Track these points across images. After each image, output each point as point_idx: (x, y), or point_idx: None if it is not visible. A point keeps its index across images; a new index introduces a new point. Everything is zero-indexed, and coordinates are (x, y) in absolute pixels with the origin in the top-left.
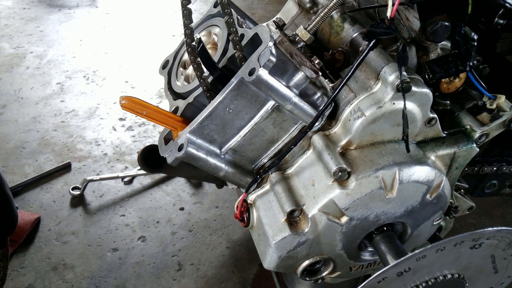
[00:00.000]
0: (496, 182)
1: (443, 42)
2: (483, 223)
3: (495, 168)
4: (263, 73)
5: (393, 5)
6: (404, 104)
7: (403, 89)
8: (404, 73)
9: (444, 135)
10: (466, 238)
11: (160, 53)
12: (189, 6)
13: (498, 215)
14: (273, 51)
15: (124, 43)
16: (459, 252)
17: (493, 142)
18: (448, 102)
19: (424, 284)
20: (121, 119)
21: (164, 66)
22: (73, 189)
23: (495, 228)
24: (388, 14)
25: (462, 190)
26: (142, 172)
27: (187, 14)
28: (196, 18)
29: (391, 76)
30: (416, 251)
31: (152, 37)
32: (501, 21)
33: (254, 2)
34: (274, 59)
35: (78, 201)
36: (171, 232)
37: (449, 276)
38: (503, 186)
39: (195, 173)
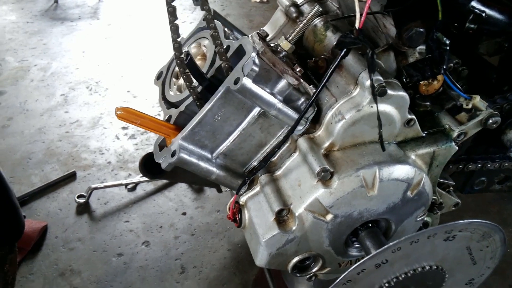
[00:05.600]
0: (484, 179)
1: (421, 47)
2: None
3: (479, 165)
4: (247, 82)
5: (361, 16)
6: (377, 107)
7: (375, 94)
8: (380, 77)
9: (424, 134)
10: (438, 231)
11: (161, 63)
12: (177, 21)
13: (494, 212)
14: (256, 61)
15: (125, 54)
16: (434, 244)
17: (478, 140)
18: (428, 103)
19: (403, 276)
20: (123, 128)
21: (158, 77)
22: (78, 197)
23: (466, 221)
24: (357, 25)
25: (451, 188)
26: (145, 179)
27: (174, 29)
28: (194, 26)
29: (368, 81)
30: (391, 243)
31: (152, 47)
32: (472, 26)
33: (252, 9)
34: (257, 69)
35: (84, 209)
36: (174, 237)
37: (427, 267)
38: (492, 182)
39: (195, 178)
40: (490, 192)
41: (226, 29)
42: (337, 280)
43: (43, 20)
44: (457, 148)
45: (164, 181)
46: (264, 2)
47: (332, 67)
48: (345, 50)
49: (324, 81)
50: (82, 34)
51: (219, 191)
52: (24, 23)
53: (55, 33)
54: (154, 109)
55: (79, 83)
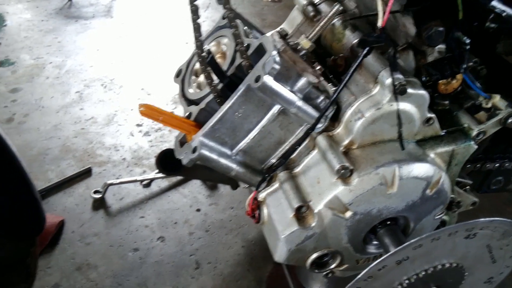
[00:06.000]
0: (501, 178)
1: (440, 46)
2: None
3: (497, 165)
4: (268, 80)
5: (383, 15)
6: (398, 105)
7: (396, 92)
8: (401, 76)
9: (443, 133)
10: (459, 228)
11: (174, 60)
12: (199, 20)
13: (510, 212)
14: (277, 59)
15: (139, 52)
16: (455, 242)
17: (496, 139)
18: (447, 102)
19: (423, 273)
20: (138, 125)
21: (177, 75)
22: (94, 192)
23: (487, 219)
24: (379, 24)
25: (468, 187)
26: (160, 175)
27: (197, 28)
28: (208, 25)
29: (388, 79)
30: (412, 240)
31: (166, 45)
32: (492, 25)
33: (264, 8)
34: (278, 67)
35: (100, 204)
36: (189, 233)
37: (447, 265)
38: (509, 182)
39: (210, 175)
40: (506, 191)
41: (246, 28)
42: (359, 276)
43: (57, 18)
44: (476, 147)
45: (179, 177)
46: (276, 1)
47: (355, 65)
48: (367, 48)
49: (346, 79)
50: (96, 32)
51: (233, 188)
52: (39, 21)
53: (69, 31)
54: (168, 107)
55: (93, 81)
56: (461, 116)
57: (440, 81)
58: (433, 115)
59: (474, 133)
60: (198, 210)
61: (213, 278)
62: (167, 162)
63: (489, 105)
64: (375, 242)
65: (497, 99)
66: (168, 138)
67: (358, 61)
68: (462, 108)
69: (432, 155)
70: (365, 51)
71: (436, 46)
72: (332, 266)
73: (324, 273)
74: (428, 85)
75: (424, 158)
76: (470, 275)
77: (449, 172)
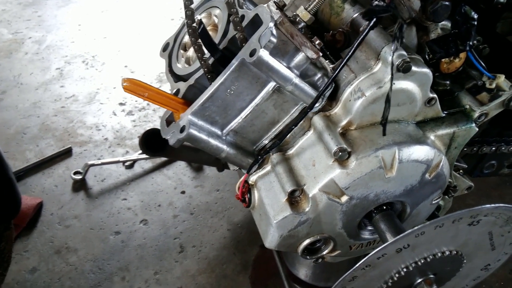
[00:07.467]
0: (494, 162)
1: (443, 22)
2: (482, 203)
3: (493, 148)
4: (264, 54)
5: None
6: (391, 86)
7: (398, 68)
8: (404, 52)
9: (444, 115)
10: (464, 215)
11: (159, 37)
12: None
13: (496, 196)
14: (274, 32)
15: (122, 28)
16: (457, 229)
17: (493, 122)
18: (448, 82)
19: (422, 261)
20: (121, 103)
21: (164, 49)
22: (74, 173)
23: (492, 205)
24: None
25: (461, 170)
26: (143, 156)
27: None
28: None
29: (392, 56)
30: (415, 228)
31: (150, 21)
32: (502, 0)
33: None
34: (274, 40)
35: (80, 186)
36: (173, 215)
37: (447, 252)
38: (501, 166)
39: (196, 156)
40: (498, 176)
41: None
42: (357, 265)
43: None
44: (477, 129)
45: (163, 159)
46: None
47: (359, 39)
48: (375, 19)
49: (350, 54)
50: (78, 7)
51: (219, 170)
52: None
53: (50, 5)
54: (153, 85)
55: (75, 57)
56: (462, 97)
57: (443, 60)
58: (435, 95)
59: (476, 114)
60: (183, 192)
61: (197, 261)
62: (151, 142)
63: (493, 85)
64: (369, 228)
65: (501, 80)
66: (152, 118)
67: (365, 33)
68: (464, 89)
69: (432, 137)
70: (372, 23)
71: (440, 22)
72: (324, 252)
73: (314, 259)
74: (430, 64)
75: (424, 140)
76: (468, 262)
77: (448, 155)
